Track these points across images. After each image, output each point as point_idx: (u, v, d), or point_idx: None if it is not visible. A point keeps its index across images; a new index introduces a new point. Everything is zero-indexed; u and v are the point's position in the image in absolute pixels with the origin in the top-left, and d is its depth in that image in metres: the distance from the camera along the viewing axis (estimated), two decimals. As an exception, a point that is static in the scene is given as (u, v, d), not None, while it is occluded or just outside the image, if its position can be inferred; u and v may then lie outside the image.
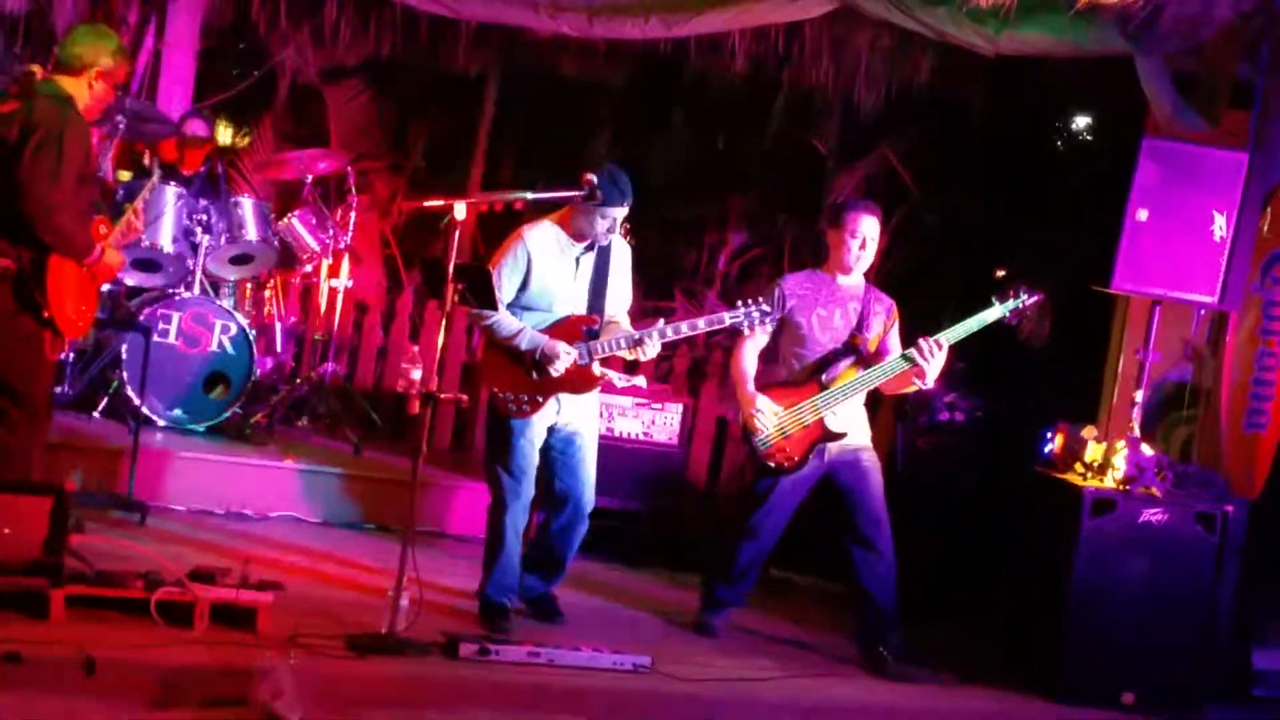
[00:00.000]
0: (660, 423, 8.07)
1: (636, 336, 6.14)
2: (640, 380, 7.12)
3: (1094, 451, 6.59)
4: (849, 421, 6.46)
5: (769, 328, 6.43)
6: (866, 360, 6.46)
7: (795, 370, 6.51)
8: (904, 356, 6.36)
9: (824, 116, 8.89)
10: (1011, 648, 6.77)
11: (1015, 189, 8.20)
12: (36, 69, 5.84)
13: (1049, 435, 6.87)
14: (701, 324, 6.26)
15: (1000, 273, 6.74)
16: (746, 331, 6.28)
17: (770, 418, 6.39)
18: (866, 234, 6.44)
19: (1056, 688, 6.38)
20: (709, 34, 8.19)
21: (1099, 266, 7.43)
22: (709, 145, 9.31)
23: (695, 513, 8.23)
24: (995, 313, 6.37)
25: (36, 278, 5.73)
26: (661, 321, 6.20)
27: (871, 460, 6.53)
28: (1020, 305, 6.38)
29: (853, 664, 6.54)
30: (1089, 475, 6.56)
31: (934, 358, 6.26)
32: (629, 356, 6.27)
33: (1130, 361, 7.21)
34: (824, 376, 6.42)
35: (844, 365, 6.46)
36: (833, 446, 6.44)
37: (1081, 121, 8.78)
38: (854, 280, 6.56)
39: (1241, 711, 6.75)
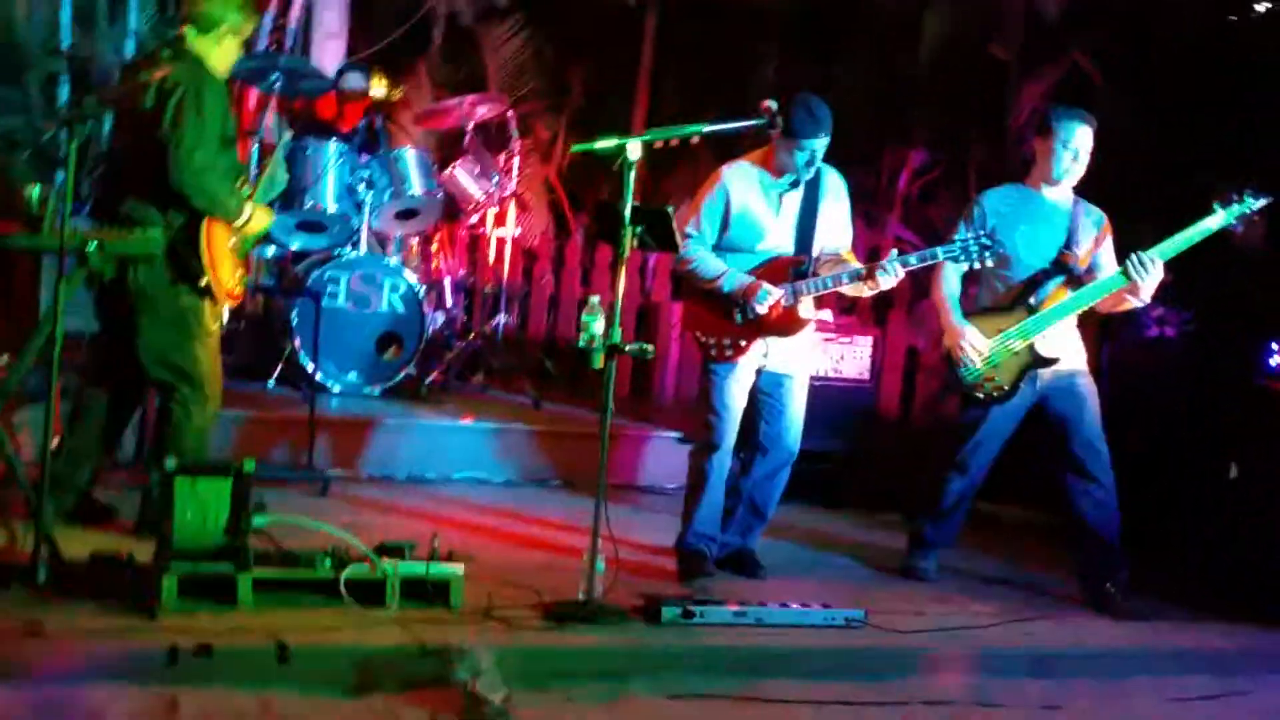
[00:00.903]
0: (849, 357, 7.74)
1: (855, 270, 5.84)
2: (826, 314, 6.77)
3: (1327, 362, 6.08)
4: (1062, 345, 6.05)
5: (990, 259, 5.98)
6: (1078, 279, 6.03)
7: (1001, 293, 6.14)
8: (1119, 274, 5.89)
9: (1005, 22, 8.30)
10: (1244, 579, 6.31)
11: (1219, 86, 7.55)
12: (187, 29, 5.61)
13: (1275, 346, 6.34)
14: (913, 261, 5.83)
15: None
16: (971, 264, 5.85)
17: (977, 346, 6.01)
18: (1080, 144, 5.98)
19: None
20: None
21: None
22: (883, 65, 8.75)
23: (891, 450, 7.91)
24: (1219, 220, 5.83)
25: (192, 244, 5.54)
26: (894, 251, 5.85)
27: (1088, 385, 6.12)
28: (1249, 211, 5.82)
29: (1078, 603, 6.17)
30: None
31: (1150, 274, 5.79)
32: (853, 294, 6.03)
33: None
34: (1032, 299, 6.03)
35: (1053, 286, 6.05)
36: (1045, 372, 6.04)
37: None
38: (1062, 193, 6.12)
39: None
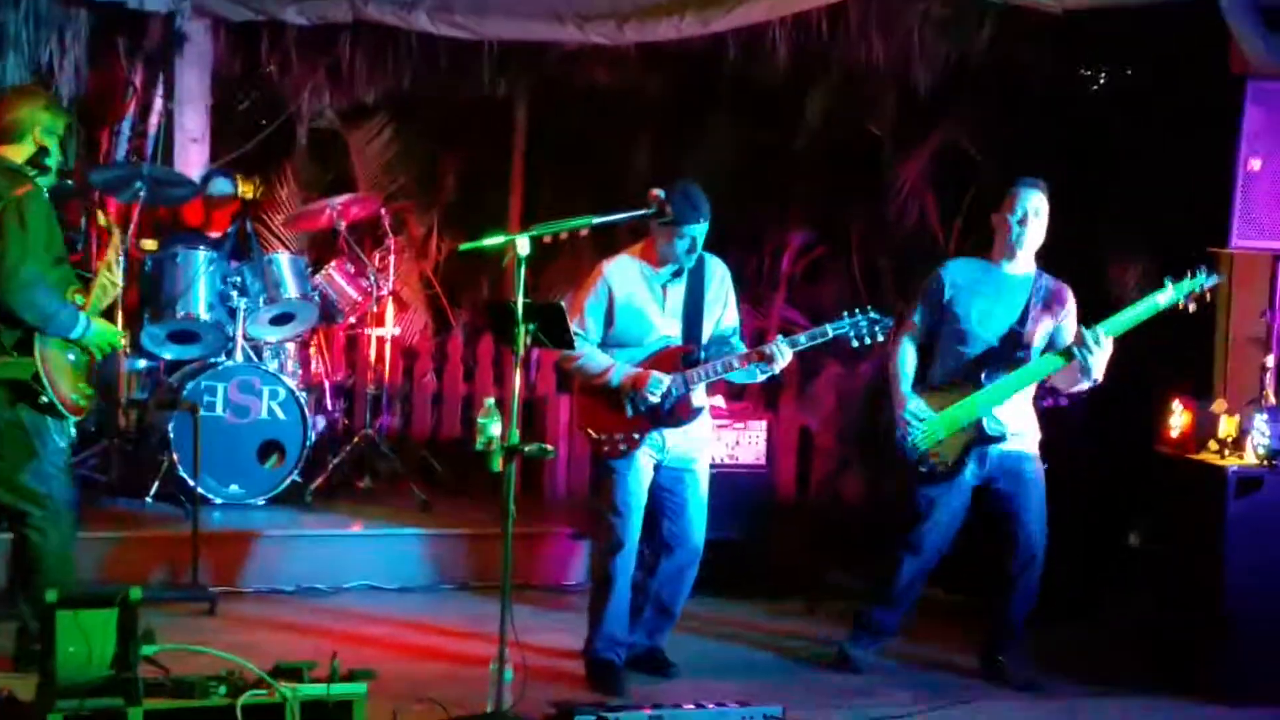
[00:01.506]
0: (744, 443, 7.63)
1: (745, 354, 5.74)
2: (717, 400, 6.68)
3: (1227, 426, 6.08)
4: (1012, 423, 5.93)
5: (917, 324, 6.03)
6: (1028, 357, 5.90)
7: (953, 369, 5.99)
8: (1061, 353, 5.80)
9: (876, 100, 8.34)
10: (1157, 648, 6.26)
11: (1092, 155, 7.65)
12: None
13: (1170, 412, 6.34)
14: (802, 340, 5.72)
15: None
16: (859, 342, 5.73)
17: (920, 416, 5.93)
18: (1028, 208, 5.88)
19: (1221, 688, 5.84)
20: (747, 26, 7.74)
21: (1193, 226, 7.01)
22: (758, 146, 8.74)
23: (790, 533, 7.79)
24: (1169, 295, 5.73)
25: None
26: (779, 336, 5.76)
27: (1036, 469, 6.00)
28: (1200, 288, 5.74)
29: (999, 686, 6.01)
30: (1224, 452, 6.04)
31: (1096, 352, 5.69)
32: (745, 379, 5.94)
33: (1249, 324, 6.64)
34: (983, 375, 5.88)
35: (1003, 363, 5.89)
36: (994, 451, 5.92)
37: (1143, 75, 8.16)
38: (1024, 266, 5.98)
39: None
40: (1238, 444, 6.03)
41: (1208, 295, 5.80)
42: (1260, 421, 5.97)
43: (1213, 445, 6.11)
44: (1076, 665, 6.18)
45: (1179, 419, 6.32)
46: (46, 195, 5.49)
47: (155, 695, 4.88)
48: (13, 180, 5.34)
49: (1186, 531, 6.11)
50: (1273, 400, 6.09)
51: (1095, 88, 8.14)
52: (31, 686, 4.86)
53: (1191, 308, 5.81)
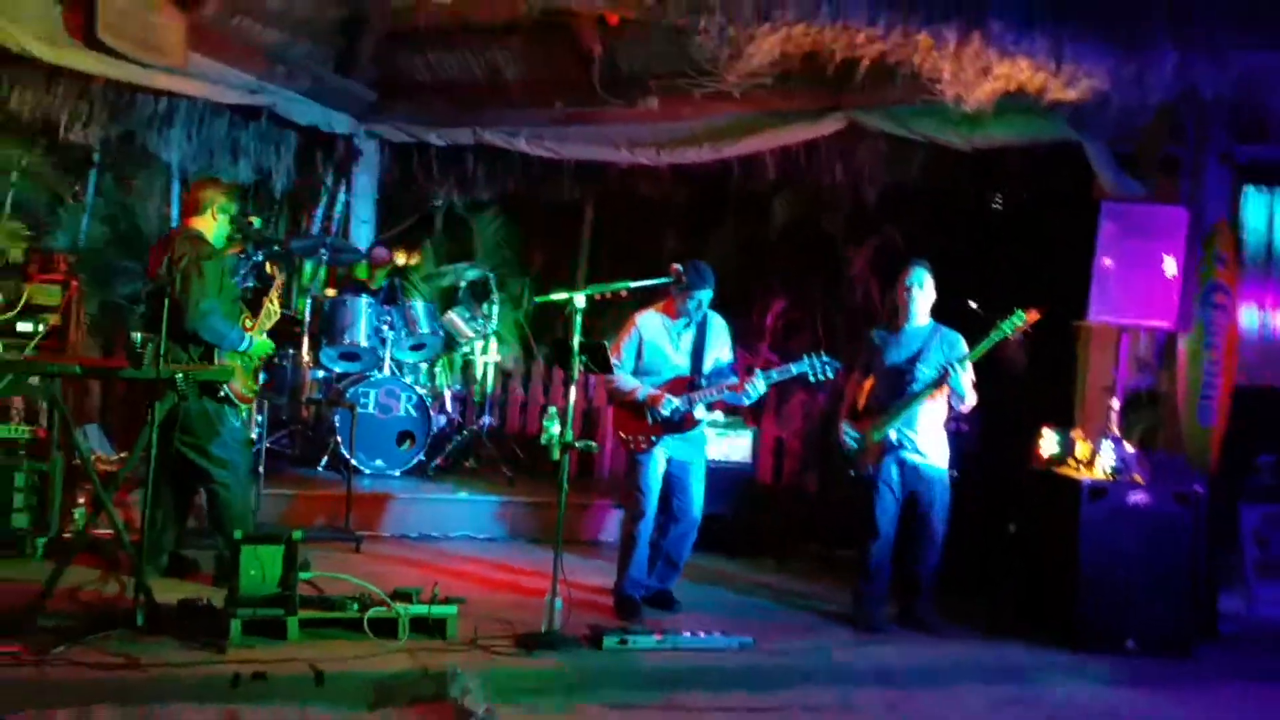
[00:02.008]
0: (735, 447, 7.46)
1: (733, 384, 5.62)
2: (719, 415, 6.54)
3: (1082, 450, 5.88)
4: (926, 445, 5.72)
5: (861, 374, 5.86)
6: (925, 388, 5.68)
7: (877, 398, 5.80)
8: (935, 378, 5.62)
9: (835, 208, 8.20)
10: (1029, 610, 5.97)
11: (989, 253, 7.46)
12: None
13: (1040, 439, 6.13)
14: (773, 375, 5.60)
15: (973, 304, 5.85)
16: (815, 378, 5.60)
17: (852, 437, 5.77)
18: (911, 282, 5.75)
19: (1072, 639, 5.61)
20: (748, 154, 7.63)
21: (1057, 307, 6.84)
22: (752, 238, 8.61)
23: (766, 512, 7.55)
24: (1001, 332, 5.55)
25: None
26: (757, 371, 5.64)
27: (941, 481, 5.77)
28: (1019, 323, 5.55)
29: (908, 628, 5.78)
30: (1081, 468, 5.84)
31: (957, 374, 5.53)
32: (734, 402, 5.75)
33: (1101, 376, 6.43)
34: (890, 402, 5.71)
35: (906, 393, 5.70)
36: (916, 461, 5.70)
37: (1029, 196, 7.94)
38: (919, 324, 5.79)
39: (1219, 647, 5.90)
40: (1090, 463, 5.82)
41: (1028, 326, 5.55)
42: (1107, 447, 5.75)
43: (1071, 463, 5.91)
44: (972, 619, 5.93)
45: (1048, 444, 6.10)
46: (220, 251, 5.45)
47: (308, 608, 4.81)
48: (195, 243, 5.30)
49: (1052, 525, 5.86)
50: (1116, 432, 5.86)
51: (994, 204, 7.89)
52: (222, 596, 4.83)
53: (1020, 336, 5.65)
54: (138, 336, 4.55)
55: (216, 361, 5.25)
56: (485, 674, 4.43)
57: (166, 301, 4.75)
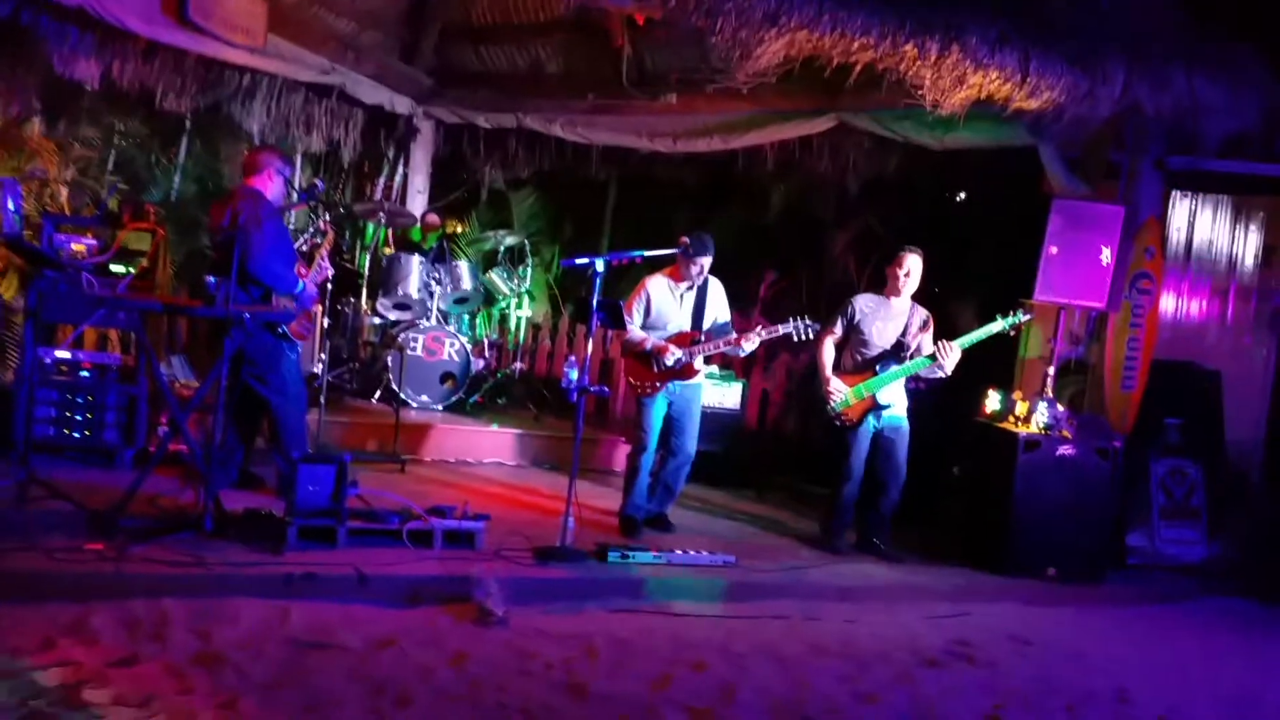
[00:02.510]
0: (727, 395, 7.23)
1: (730, 339, 5.38)
2: (714, 367, 6.31)
3: (1021, 408, 5.67)
4: (894, 399, 5.53)
5: (837, 331, 5.60)
6: (907, 357, 5.49)
7: (859, 361, 5.58)
8: (929, 357, 5.41)
9: (823, 195, 7.89)
10: (967, 540, 5.81)
11: (955, 239, 7.18)
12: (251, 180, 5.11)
13: (986, 398, 5.92)
14: (763, 334, 5.37)
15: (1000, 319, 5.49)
16: (798, 338, 5.36)
17: (839, 390, 5.53)
18: (910, 267, 5.50)
19: (1002, 566, 5.48)
20: (751, 146, 7.32)
21: (1010, 287, 6.60)
22: (751, 219, 8.30)
23: (750, 451, 7.35)
24: (999, 326, 5.35)
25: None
26: (758, 327, 5.44)
27: (906, 432, 5.57)
28: (1019, 320, 5.35)
29: (865, 553, 5.61)
30: (1019, 424, 5.63)
31: (949, 357, 5.34)
32: (738, 353, 5.48)
33: (1039, 347, 6.21)
34: (878, 367, 5.50)
35: (891, 360, 5.49)
36: (884, 413, 5.51)
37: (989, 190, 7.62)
38: (903, 300, 5.58)
39: (1124, 576, 5.83)
40: (1026, 419, 5.62)
41: (1022, 327, 5.41)
42: (1042, 407, 5.55)
43: (1011, 419, 5.70)
44: (921, 548, 5.76)
45: (992, 401, 5.90)
46: (278, 208, 5.21)
47: (355, 519, 4.64)
48: (255, 199, 5.06)
49: (990, 470, 5.69)
50: (1050, 394, 5.65)
51: (959, 197, 7.59)
52: (283, 510, 4.65)
53: (1013, 333, 5.42)
54: (211, 279, 4.33)
55: (275, 302, 5.05)
56: (505, 581, 4.27)
57: (237, 250, 4.52)
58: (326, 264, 5.41)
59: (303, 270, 5.24)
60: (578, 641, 3.93)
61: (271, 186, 5.19)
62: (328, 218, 6.85)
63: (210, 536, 4.34)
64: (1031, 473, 5.45)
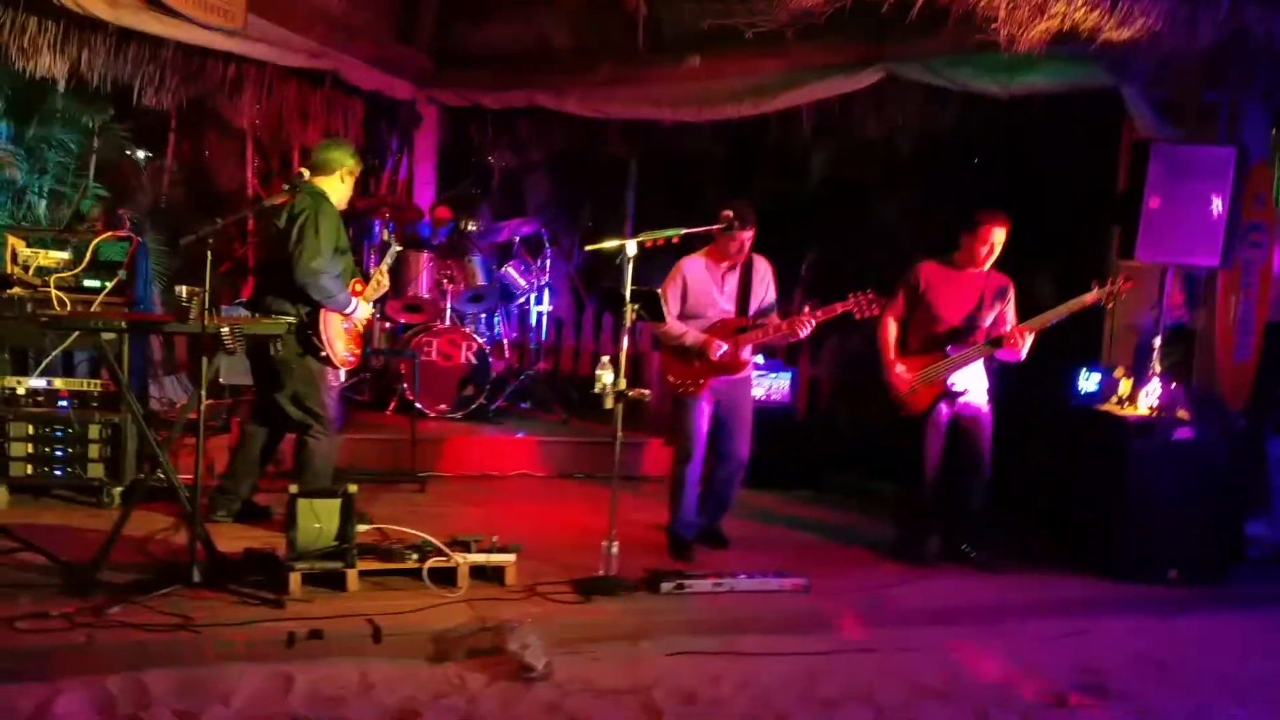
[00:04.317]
0: (776, 387, 6.58)
1: (777, 324, 4.73)
2: (759, 358, 5.66)
3: (1124, 387, 4.98)
4: (970, 382, 4.86)
5: (900, 306, 4.93)
6: (983, 335, 4.82)
7: (926, 341, 4.89)
8: (992, 342, 4.75)
9: (869, 160, 7.18)
10: (1068, 542, 5.12)
11: (1023, 201, 6.45)
12: (305, 171, 4.50)
13: (1082, 377, 5.22)
14: (819, 315, 4.68)
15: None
16: (860, 315, 4.69)
17: (905, 376, 4.87)
18: (995, 242, 4.78)
19: (1115, 570, 4.79)
20: (787, 108, 6.60)
21: (1086, 249, 5.91)
22: (786, 190, 7.58)
23: (802, 446, 6.66)
24: (1094, 297, 4.66)
25: (313, 327, 4.43)
26: (806, 308, 4.70)
27: (987, 415, 4.89)
28: (1115, 289, 4.66)
29: (953, 562, 4.91)
30: (1124, 405, 4.94)
31: (1021, 343, 4.67)
32: (780, 342, 4.79)
33: (1133, 314, 5.48)
34: (949, 348, 4.82)
35: (965, 339, 4.82)
36: (960, 400, 4.84)
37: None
38: (978, 271, 4.88)
39: (1248, 571, 5.11)
40: (1132, 399, 4.94)
41: (1123, 295, 4.70)
42: (1154, 384, 4.87)
43: (1115, 401, 5.01)
44: (1013, 552, 5.06)
45: (1088, 382, 5.21)
46: (337, 212, 4.61)
47: (367, 558, 4.03)
48: (315, 199, 4.49)
49: (1092, 460, 5.00)
50: (1158, 369, 4.96)
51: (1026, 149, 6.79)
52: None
53: (1110, 305, 4.72)
54: (182, 290, 3.73)
55: (321, 322, 4.46)
56: (544, 622, 3.65)
57: (275, 255, 3.90)
58: (386, 280, 4.85)
59: (358, 286, 4.66)
60: (634, 699, 3.31)
61: (340, 190, 4.64)
62: (392, 227, 6.29)
63: (201, 588, 3.75)
64: (1144, 462, 4.76)
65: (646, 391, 4.32)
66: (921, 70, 5.78)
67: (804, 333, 4.71)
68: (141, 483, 4.17)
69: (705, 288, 4.85)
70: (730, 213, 4.67)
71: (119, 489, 4.89)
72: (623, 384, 4.19)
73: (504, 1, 7.57)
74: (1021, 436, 5.67)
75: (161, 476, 4.04)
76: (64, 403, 4.89)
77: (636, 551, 4.58)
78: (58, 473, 4.88)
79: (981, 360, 4.90)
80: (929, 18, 4.83)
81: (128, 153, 6.85)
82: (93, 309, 4.67)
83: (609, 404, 4.17)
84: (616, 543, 4.22)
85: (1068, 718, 3.34)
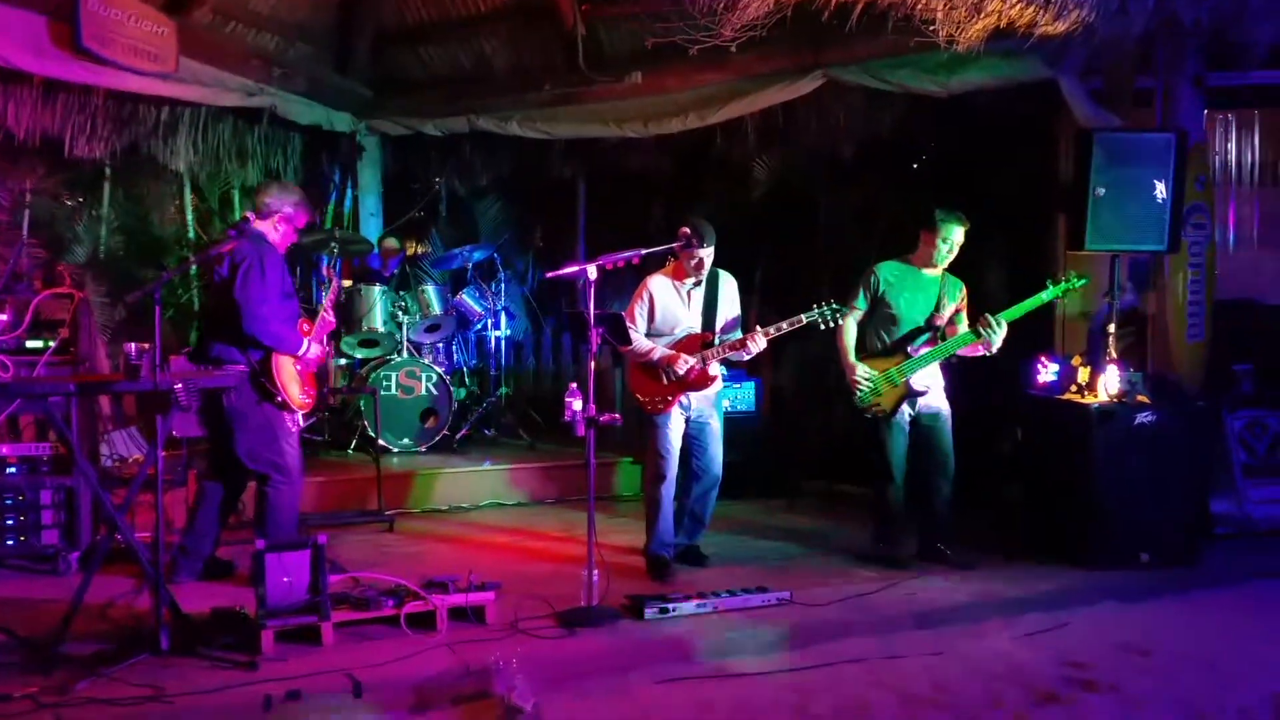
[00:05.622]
0: (742, 397, 6.56)
1: (740, 339, 4.71)
2: (722, 369, 5.61)
3: (1082, 375, 5.01)
4: (929, 382, 4.86)
5: (859, 308, 4.90)
6: (941, 334, 4.83)
7: (887, 342, 4.88)
8: (972, 332, 4.74)
9: (814, 165, 7.18)
10: (1040, 532, 5.14)
11: (969, 197, 6.48)
12: (250, 215, 4.38)
13: (1038, 367, 5.25)
14: (785, 325, 4.66)
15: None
16: (824, 326, 4.68)
17: (866, 378, 4.84)
18: (955, 240, 4.78)
19: (1088, 558, 4.82)
20: (731, 119, 6.60)
21: (1033, 241, 5.97)
22: (735, 202, 7.56)
23: (771, 456, 6.67)
24: (1049, 293, 4.68)
25: (266, 374, 4.31)
26: (758, 327, 4.67)
27: (947, 417, 4.90)
28: (1074, 287, 4.70)
29: (929, 561, 4.92)
30: (1084, 393, 4.96)
31: (996, 333, 4.66)
32: (743, 356, 4.75)
33: (1082, 302, 5.54)
34: (909, 348, 4.82)
35: (924, 339, 4.82)
36: (920, 400, 4.85)
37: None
38: (936, 270, 4.88)
39: (1217, 549, 5.16)
40: (1091, 387, 4.96)
41: (1078, 291, 4.73)
42: (1111, 371, 4.90)
43: (1073, 389, 5.03)
44: (985, 545, 5.10)
45: (1046, 373, 5.23)
46: (280, 256, 4.50)
47: (341, 608, 3.91)
48: (258, 244, 4.38)
49: (1055, 449, 5.02)
50: (1114, 356, 5.00)
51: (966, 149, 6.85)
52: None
53: (1065, 301, 4.75)
54: (131, 347, 3.59)
55: (273, 368, 4.34)
56: (529, 660, 3.56)
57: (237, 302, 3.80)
58: (331, 316, 4.72)
59: (306, 326, 4.54)
60: (628, 733, 3.24)
61: (281, 231, 4.52)
62: (330, 263, 6.15)
63: (170, 655, 3.61)
64: (1110, 448, 4.79)
65: (618, 416, 4.25)
66: (861, 74, 5.80)
67: (755, 349, 4.69)
68: (99, 546, 4.00)
69: (672, 305, 4.82)
70: (688, 230, 4.64)
71: (76, 554, 4.71)
72: (593, 410, 4.11)
73: (440, 25, 7.50)
74: (985, 432, 5.73)
75: (119, 539, 3.90)
76: (12, 469, 4.71)
77: (616, 576, 4.50)
78: (10, 542, 4.70)
79: (938, 359, 4.92)
80: (868, 23, 4.85)
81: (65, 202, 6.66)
82: (36, 372, 4.50)
83: (580, 432, 4.09)
84: (597, 570, 4.15)
85: (1060, 714, 3.33)
